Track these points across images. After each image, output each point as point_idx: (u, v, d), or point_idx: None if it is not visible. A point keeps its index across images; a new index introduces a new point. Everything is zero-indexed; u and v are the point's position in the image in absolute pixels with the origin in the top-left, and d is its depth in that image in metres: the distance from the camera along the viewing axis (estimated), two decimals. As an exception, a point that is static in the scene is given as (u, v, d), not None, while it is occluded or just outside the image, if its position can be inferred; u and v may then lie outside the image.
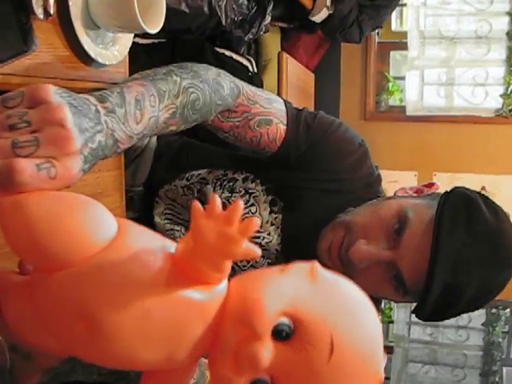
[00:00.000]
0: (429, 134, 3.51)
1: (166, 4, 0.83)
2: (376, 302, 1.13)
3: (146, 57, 1.50)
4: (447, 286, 0.86)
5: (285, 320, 0.43)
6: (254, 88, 0.98)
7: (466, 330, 3.81)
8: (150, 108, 0.71)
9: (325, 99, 3.11)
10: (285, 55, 2.06)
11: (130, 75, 0.90)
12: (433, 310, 0.91)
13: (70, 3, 0.72)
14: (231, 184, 1.10)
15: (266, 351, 0.42)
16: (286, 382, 0.43)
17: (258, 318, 0.42)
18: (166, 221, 1.18)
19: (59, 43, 0.74)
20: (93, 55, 0.77)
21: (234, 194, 1.10)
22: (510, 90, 3.37)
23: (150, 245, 0.47)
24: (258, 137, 0.98)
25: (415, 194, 1.04)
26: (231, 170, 1.12)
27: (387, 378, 3.64)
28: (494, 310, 3.79)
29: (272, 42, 2.75)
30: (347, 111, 3.50)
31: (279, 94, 2.17)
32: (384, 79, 3.71)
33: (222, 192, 1.10)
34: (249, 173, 1.10)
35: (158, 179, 1.20)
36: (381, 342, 0.46)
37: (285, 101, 1.05)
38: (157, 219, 1.18)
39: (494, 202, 0.95)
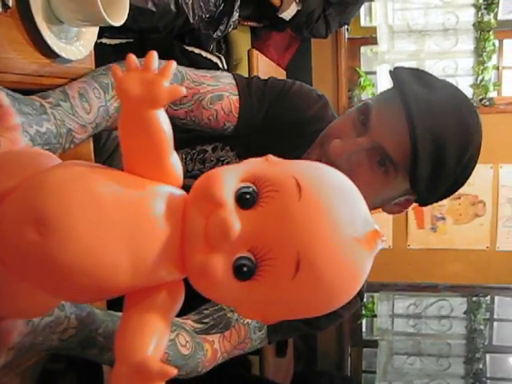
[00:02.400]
0: (402, 126, 3.54)
1: (133, 3, 0.82)
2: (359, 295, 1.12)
3: (115, 57, 1.48)
4: (431, 135, 0.85)
5: (246, 183, 0.42)
6: (198, 70, 0.99)
7: (449, 319, 3.85)
8: (96, 99, 0.77)
9: (298, 97, 3.11)
10: (255, 52, 2.05)
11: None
12: (428, 174, 0.87)
13: (30, -3, 0.71)
14: (201, 156, 1.11)
15: (233, 215, 0.40)
16: (269, 244, 0.40)
17: (216, 187, 0.41)
18: None
19: (21, 38, 0.72)
20: (57, 50, 0.76)
21: (206, 165, 1.10)
22: (479, 80, 3.42)
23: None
24: (214, 114, 0.99)
25: None
26: (200, 144, 1.12)
27: (373, 372, 3.65)
28: (474, 298, 3.84)
29: (242, 41, 2.75)
30: (321, 108, 3.50)
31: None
32: (356, 74, 3.73)
33: (194, 165, 1.10)
34: (217, 142, 1.10)
35: None
36: (355, 194, 0.44)
37: (233, 74, 1.05)
38: None
39: None
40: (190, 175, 1.09)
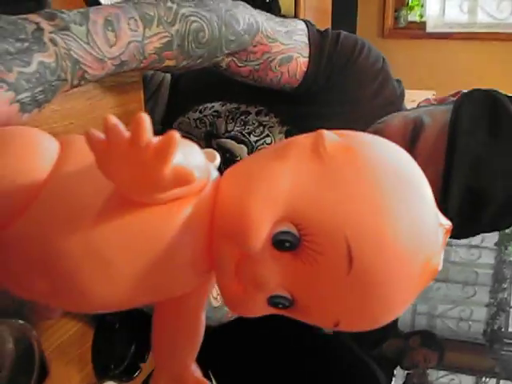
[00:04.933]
0: (449, 51, 3.37)
1: None
2: None
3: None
4: (469, 191, 0.78)
5: (285, 228, 0.34)
6: (273, 22, 0.89)
7: (479, 249, 3.85)
8: (129, 32, 0.61)
9: (342, 16, 2.98)
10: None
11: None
12: (459, 219, 0.79)
13: None
14: (244, 117, 1.06)
15: (268, 270, 0.35)
16: (307, 297, 0.35)
17: (249, 234, 0.34)
18: None
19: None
20: None
21: (247, 127, 1.05)
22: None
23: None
24: (278, 76, 0.92)
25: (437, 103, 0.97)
26: (245, 103, 1.07)
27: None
28: (507, 230, 3.82)
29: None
30: (364, 28, 3.35)
31: (296, 16, 2.07)
32: (403, -7, 3.53)
33: (235, 125, 1.06)
34: (263, 106, 1.05)
35: (173, 111, 1.17)
36: (429, 220, 0.36)
37: (307, 25, 0.96)
38: None
39: None
40: (229, 135, 1.05)
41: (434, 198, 0.62)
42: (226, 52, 0.80)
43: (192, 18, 0.69)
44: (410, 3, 3.48)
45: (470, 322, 3.89)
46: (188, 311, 0.44)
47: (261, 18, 0.85)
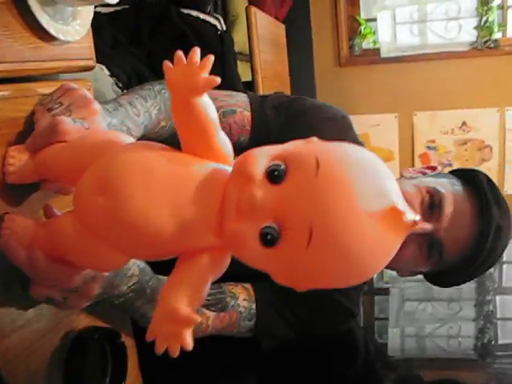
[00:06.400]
0: (405, 74, 3.47)
1: (125, -32, 0.79)
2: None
3: (111, 27, 1.44)
4: (489, 252, 0.99)
5: (277, 162, 0.46)
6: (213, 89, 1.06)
7: (458, 264, 3.85)
8: (141, 107, 0.87)
9: (297, 49, 3.05)
10: (253, 9, 1.99)
11: (95, 48, 0.87)
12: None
13: (23, -20, 0.68)
14: None
15: (259, 189, 0.45)
16: (288, 215, 0.44)
17: (250, 163, 0.46)
18: None
19: (16, 24, 0.70)
20: (54, 33, 0.73)
21: None
22: (483, 21, 3.32)
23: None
24: (227, 128, 1.01)
25: (421, 174, 1.11)
26: None
27: (385, 319, 3.70)
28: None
29: (238, -5, 2.68)
30: (321, 59, 3.44)
31: (251, 49, 2.09)
32: (355, 23, 3.64)
33: None
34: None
35: None
36: (378, 172, 0.46)
37: (248, 93, 1.08)
38: None
39: None
40: None
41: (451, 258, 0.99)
42: None
43: (163, 91, 0.94)
44: (362, 31, 3.59)
45: (460, 339, 3.87)
46: (198, 268, 0.51)
47: None
